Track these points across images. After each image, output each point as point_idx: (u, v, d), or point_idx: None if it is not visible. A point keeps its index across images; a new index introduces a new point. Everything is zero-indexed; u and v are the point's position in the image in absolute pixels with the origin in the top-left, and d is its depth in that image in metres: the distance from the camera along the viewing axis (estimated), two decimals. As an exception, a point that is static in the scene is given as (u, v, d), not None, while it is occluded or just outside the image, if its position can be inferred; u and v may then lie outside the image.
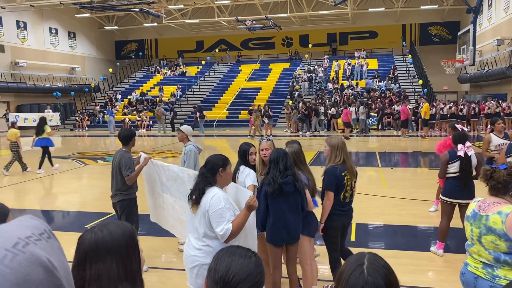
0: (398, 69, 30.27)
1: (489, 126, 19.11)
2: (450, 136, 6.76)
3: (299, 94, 26.85)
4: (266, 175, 3.78)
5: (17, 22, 29.63)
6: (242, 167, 4.20)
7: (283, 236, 3.74)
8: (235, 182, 4.04)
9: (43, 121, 12.48)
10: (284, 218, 3.70)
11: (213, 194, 3.01)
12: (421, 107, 19.94)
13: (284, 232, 3.72)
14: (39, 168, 11.95)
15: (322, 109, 22.80)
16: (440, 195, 5.37)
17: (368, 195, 8.55)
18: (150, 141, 20.74)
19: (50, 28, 33.15)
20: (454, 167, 5.16)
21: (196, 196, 3.07)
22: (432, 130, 20.70)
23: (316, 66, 31.37)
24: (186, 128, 5.90)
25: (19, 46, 29.97)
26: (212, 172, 3.13)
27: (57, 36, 33.87)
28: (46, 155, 12.18)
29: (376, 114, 22.84)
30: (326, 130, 23.03)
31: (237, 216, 3.01)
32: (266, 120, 21.31)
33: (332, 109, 23.02)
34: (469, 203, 2.90)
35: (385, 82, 27.66)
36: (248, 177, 4.09)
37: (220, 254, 1.49)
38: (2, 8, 25.06)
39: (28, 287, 0.74)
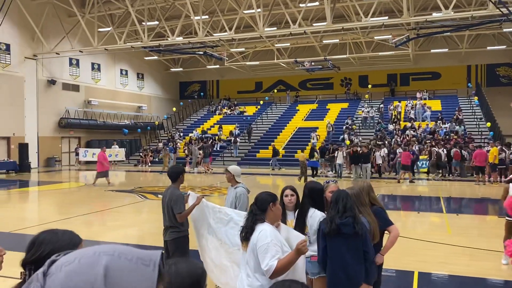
0: (463, 110, 29.06)
1: None
2: None
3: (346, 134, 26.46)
4: (326, 216, 3.75)
5: (92, 64, 32.11)
6: (312, 210, 3.99)
7: (342, 280, 3.57)
8: (304, 225, 3.94)
9: (313, 149, 20.73)
10: (343, 261, 3.55)
11: (260, 229, 3.07)
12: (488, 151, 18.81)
13: (343, 276, 3.56)
14: (304, 179, 17.45)
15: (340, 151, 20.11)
16: None
17: (432, 242, 8.07)
18: (208, 178, 21.13)
19: (121, 70, 35.55)
20: None
21: (245, 234, 3.15)
22: (504, 176, 19.28)
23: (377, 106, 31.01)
24: (233, 168, 5.46)
25: (93, 86, 32.31)
26: (262, 209, 3.18)
27: (127, 77, 36.20)
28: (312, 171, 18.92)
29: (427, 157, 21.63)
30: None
31: (285, 256, 3.00)
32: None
33: (358, 148, 19.63)
34: None
35: (449, 124, 26.59)
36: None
37: None
38: (80, 51, 27.32)
39: None
